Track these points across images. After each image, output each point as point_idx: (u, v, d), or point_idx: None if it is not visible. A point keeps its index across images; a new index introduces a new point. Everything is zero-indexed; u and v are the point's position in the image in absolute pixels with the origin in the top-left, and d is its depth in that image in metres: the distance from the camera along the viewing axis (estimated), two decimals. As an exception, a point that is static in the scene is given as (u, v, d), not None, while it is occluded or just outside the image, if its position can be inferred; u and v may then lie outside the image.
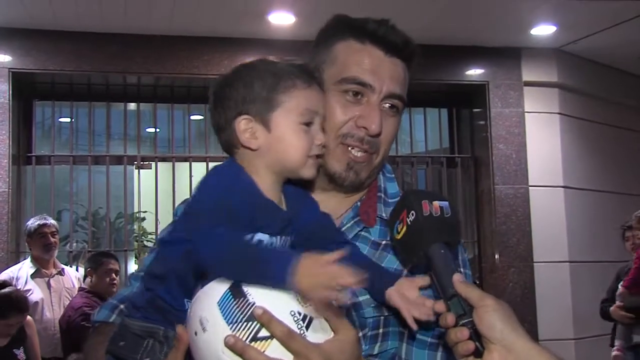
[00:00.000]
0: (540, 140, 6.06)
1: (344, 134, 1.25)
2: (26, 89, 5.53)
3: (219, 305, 0.98)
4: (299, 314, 0.98)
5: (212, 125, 1.20)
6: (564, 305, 5.94)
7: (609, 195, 6.46)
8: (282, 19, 5.22)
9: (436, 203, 1.10)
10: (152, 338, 1.10)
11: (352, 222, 1.29)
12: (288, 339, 0.95)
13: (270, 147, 1.13)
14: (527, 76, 6.06)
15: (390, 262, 1.25)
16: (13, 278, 4.44)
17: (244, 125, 1.14)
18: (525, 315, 5.82)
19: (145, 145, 6.34)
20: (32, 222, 4.72)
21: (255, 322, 0.96)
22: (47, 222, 4.72)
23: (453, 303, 1.03)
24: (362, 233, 1.28)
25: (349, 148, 1.25)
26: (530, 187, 5.98)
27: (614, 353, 4.93)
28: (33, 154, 5.59)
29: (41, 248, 4.64)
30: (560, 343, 5.87)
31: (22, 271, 4.60)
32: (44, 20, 5.11)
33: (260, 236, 1.09)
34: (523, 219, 5.94)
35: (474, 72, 6.10)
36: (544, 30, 5.66)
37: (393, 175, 1.37)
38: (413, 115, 6.46)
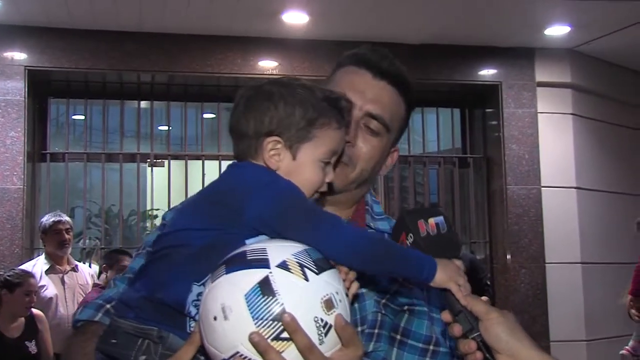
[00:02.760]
0: (553, 141, 6.04)
1: None
2: (41, 87, 5.58)
3: (246, 298, 0.99)
4: (322, 320, 1.00)
5: (234, 129, 1.21)
6: (576, 307, 5.93)
7: (622, 196, 6.44)
8: (295, 18, 5.24)
9: (432, 220, 1.14)
10: (147, 339, 1.10)
11: None
12: (308, 351, 0.98)
13: (288, 173, 1.17)
14: (540, 77, 6.05)
15: None
16: (28, 274, 4.48)
17: (272, 145, 1.17)
18: (537, 316, 5.82)
19: (158, 143, 6.38)
20: (47, 219, 4.76)
21: (279, 323, 0.98)
22: (62, 219, 4.76)
23: (460, 318, 1.09)
24: None
25: None
26: (542, 188, 5.96)
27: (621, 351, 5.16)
28: (47, 151, 5.65)
29: (56, 245, 4.68)
30: (572, 344, 5.86)
31: (36, 267, 4.64)
32: (59, 19, 5.16)
33: None
34: (535, 220, 5.93)
35: (487, 72, 6.09)
36: (557, 30, 5.64)
37: (378, 200, 1.45)
38: (425, 114, 6.46)
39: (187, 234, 1.13)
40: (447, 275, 1.08)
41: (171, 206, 5.62)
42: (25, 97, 5.21)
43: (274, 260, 1.02)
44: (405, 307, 1.31)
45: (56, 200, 5.85)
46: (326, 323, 1.01)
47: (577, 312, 5.93)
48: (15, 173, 5.12)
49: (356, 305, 1.24)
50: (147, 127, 5.92)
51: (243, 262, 1.03)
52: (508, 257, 5.89)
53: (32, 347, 4.12)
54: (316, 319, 1.00)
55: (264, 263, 1.02)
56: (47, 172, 5.63)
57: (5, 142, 5.14)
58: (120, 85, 5.81)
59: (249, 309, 0.98)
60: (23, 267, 4.59)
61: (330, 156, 1.19)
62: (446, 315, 1.11)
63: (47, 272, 4.65)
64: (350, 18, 5.26)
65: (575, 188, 6.06)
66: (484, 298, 1.11)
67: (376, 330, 1.28)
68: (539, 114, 6.03)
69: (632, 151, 6.64)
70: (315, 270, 1.03)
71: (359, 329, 1.24)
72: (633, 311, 5.17)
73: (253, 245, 1.07)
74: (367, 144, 1.32)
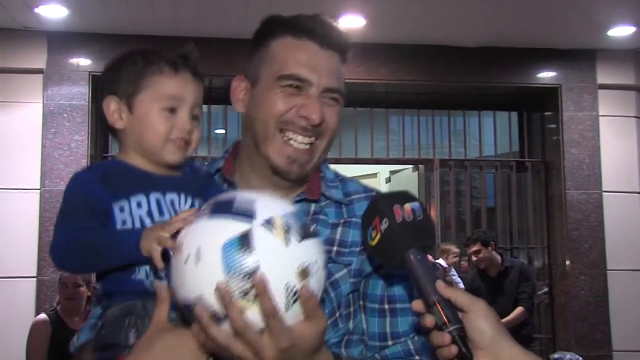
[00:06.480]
0: (616, 145, 5.89)
1: (285, 121, 1.28)
2: (104, 92, 5.73)
3: (223, 248, 0.96)
4: (293, 287, 0.98)
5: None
6: None
7: (689, 202, 6.22)
8: (352, 22, 5.25)
9: (407, 206, 1.09)
10: (132, 314, 1.12)
11: (299, 199, 1.32)
12: (270, 316, 0.97)
13: (132, 128, 1.20)
14: (602, 79, 5.91)
15: (355, 235, 1.28)
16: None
17: (112, 106, 1.21)
18: (598, 324, 5.68)
19: (215, 146, 6.49)
20: None
21: (250, 281, 0.95)
22: None
23: (434, 311, 1.02)
24: (321, 217, 1.31)
25: (290, 140, 1.28)
26: (604, 193, 5.82)
27: None
28: (109, 154, 5.80)
29: None
30: (636, 355, 5.68)
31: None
32: (122, 25, 5.30)
33: (155, 195, 1.17)
34: (596, 225, 5.78)
35: (546, 75, 5.98)
36: (621, 31, 5.50)
37: (327, 163, 1.42)
38: (482, 118, 6.38)
39: None
40: (147, 241, 1.06)
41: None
42: (89, 102, 5.38)
43: (260, 215, 0.99)
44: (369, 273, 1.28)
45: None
46: (297, 291, 0.98)
47: (641, 321, 5.75)
48: (79, 175, 5.29)
49: (332, 293, 1.24)
50: (204, 130, 6.02)
51: (229, 210, 1.00)
52: (567, 263, 5.77)
53: None
54: (287, 285, 0.97)
55: (249, 216, 0.99)
56: (109, 175, 5.79)
57: (70, 145, 5.32)
58: (179, 89, 5.92)
59: (223, 260, 0.96)
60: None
61: (172, 103, 1.20)
62: (417, 305, 1.05)
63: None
64: (406, 21, 5.24)
65: (638, 193, 5.90)
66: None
67: (351, 308, 1.27)
68: (600, 117, 5.89)
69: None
70: (299, 237, 1.00)
71: (337, 314, 1.24)
72: None
73: (244, 194, 1.05)
74: (332, 114, 1.31)
